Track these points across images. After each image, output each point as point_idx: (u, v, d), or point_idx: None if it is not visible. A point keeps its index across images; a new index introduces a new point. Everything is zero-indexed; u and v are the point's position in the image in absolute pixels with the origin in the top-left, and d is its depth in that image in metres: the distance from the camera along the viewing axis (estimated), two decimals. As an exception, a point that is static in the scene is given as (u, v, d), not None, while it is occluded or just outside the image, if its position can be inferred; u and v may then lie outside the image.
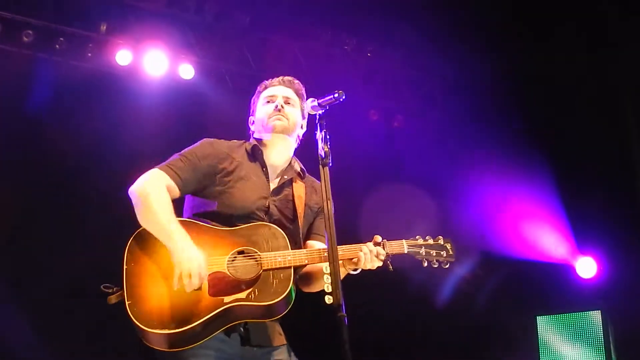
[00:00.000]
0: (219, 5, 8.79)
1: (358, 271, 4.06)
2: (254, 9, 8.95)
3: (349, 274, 4.08)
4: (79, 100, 8.43)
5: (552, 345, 8.89)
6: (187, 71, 8.85)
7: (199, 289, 3.66)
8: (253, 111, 4.36)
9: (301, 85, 4.38)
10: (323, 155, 3.56)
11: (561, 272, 9.25)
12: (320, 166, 3.56)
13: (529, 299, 9.30)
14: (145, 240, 3.80)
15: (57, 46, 8.31)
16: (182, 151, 4.05)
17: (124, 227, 8.16)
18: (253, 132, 4.32)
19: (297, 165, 4.30)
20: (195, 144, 4.10)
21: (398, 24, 9.18)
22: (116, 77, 8.65)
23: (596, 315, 8.68)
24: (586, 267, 9.21)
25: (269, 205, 4.03)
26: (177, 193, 3.94)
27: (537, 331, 9.00)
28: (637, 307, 8.61)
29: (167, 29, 8.71)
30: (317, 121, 3.70)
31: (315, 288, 4.17)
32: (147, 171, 3.94)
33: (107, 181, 8.40)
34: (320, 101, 3.77)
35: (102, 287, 3.75)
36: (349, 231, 4.25)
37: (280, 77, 4.35)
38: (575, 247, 9.24)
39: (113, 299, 3.72)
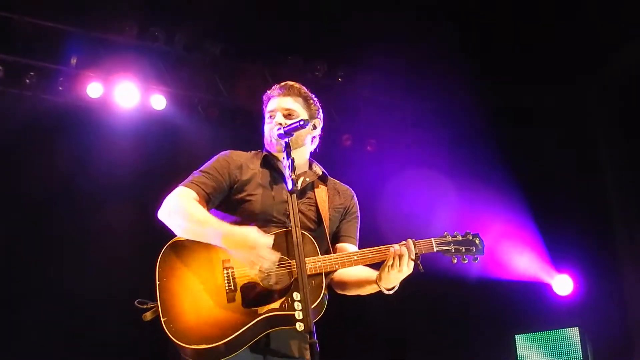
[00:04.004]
0: (188, 35, 8.82)
1: (393, 290, 3.98)
2: (224, 38, 8.98)
3: (380, 293, 4.00)
4: (51, 134, 8.41)
5: (531, 364, 8.92)
6: (158, 102, 8.85)
7: (233, 302, 3.68)
8: (263, 123, 4.31)
9: (301, 87, 4.29)
10: (292, 184, 3.56)
11: (538, 291, 9.27)
12: (289, 194, 3.56)
13: (507, 319, 9.29)
14: (175, 254, 3.80)
15: (28, 81, 8.31)
16: (202, 167, 4.06)
17: (97, 258, 8.18)
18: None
19: (318, 169, 4.28)
20: (213, 159, 4.11)
21: (368, 48, 9.23)
22: (88, 110, 8.64)
23: (574, 332, 8.68)
24: (562, 285, 9.24)
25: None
26: (204, 206, 3.93)
27: (516, 350, 9.00)
28: (614, 322, 8.67)
29: (138, 61, 8.72)
30: (284, 149, 3.72)
31: (351, 291, 4.13)
32: (172, 191, 3.94)
33: (81, 214, 8.39)
34: (285, 129, 3.81)
35: (136, 302, 3.73)
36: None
37: (280, 85, 4.27)
38: (551, 265, 9.27)
39: (148, 316, 3.71)
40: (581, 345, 8.59)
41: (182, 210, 3.82)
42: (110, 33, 8.52)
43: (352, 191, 4.39)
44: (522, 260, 9.23)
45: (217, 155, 4.15)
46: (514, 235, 9.26)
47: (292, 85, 4.26)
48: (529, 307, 9.28)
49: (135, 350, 7.98)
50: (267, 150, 4.22)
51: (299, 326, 3.54)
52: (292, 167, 3.63)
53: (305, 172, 4.22)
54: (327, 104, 9.59)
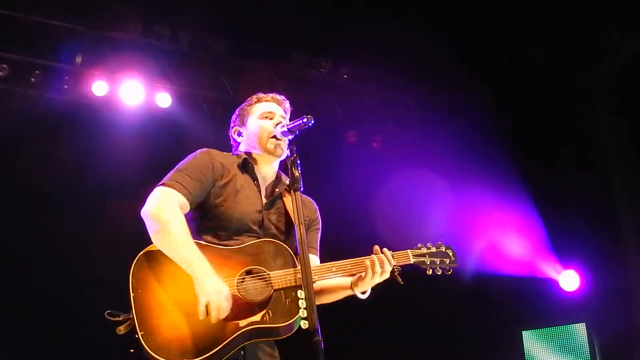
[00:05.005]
0: (193, 33, 8.81)
1: (366, 294, 3.98)
2: (228, 35, 8.98)
3: (354, 297, 4.00)
4: (56, 133, 8.41)
5: (538, 360, 8.92)
6: (164, 99, 8.85)
7: None
8: (243, 123, 4.25)
9: (290, 106, 4.31)
10: (295, 181, 3.56)
11: (545, 287, 9.26)
12: (292, 191, 3.55)
13: (514, 315, 9.30)
14: (149, 264, 3.68)
15: (33, 79, 8.31)
16: (181, 165, 3.94)
17: (103, 254, 8.19)
18: (239, 143, 4.25)
19: (285, 179, 4.19)
20: (192, 156, 4.00)
21: (372, 45, 9.23)
22: (93, 108, 8.64)
23: (581, 328, 8.71)
24: (569, 281, 9.23)
25: (263, 218, 3.96)
26: (187, 208, 3.84)
27: (523, 346, 9.00)
28: (621, 317, 8.65)
29: (143, 58, 8.72)
30: (287, 147, 3.69)
31: (322, 300, 4.09)
32: (154, 190, 3.82)
33: (87, 213, 8.39)
34: (289, 126, 3.79)
35: (106, 314, 3.60)
36: (329, 253, 4.21)
37: (273, 94, 4.28)
38: (557, 261, 9.26)
39: (122, 330, 3.57)
40: (588, 341, 8.60)
41: (166, 223, 3.69)
42: (114, 31, 8.52)
43: (315, 203, 4.33)
44: (529, 256, 9.23)
45: (197, 152, 4.05)
46: (521, 231, 9.26)
47: (285, 100, 4.30)
48: (535, 303, 9.28)
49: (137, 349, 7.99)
50: (246, 152, 4.17)
51: (304, 324, 3.52)
52: (297, 165, 3.62)
53: (274, 182, 4.16)
54: (332, 101, 9.73)
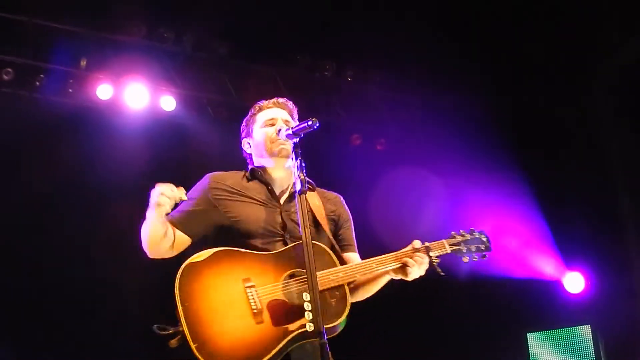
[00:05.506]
0: (197, 35, 8.81)
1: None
2: (232, 37, 8.98)
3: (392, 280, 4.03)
4: (61, 136, 8.41)
5: (543, 362, 8.91)
6: (168, 103, 8.84)
7: (262, 322, 3.62)
8: (248, 134, 4.29)
9: (294, 106, 4.33)
10: (300, 185, 3.55)
11: (549, 289, 9.25)
12: (297, 194, 3.55)
13: (519, 317, 9.29)
14: (194, 276, 3.70)
15: (37, 83, 8.31)
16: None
17: (103, 254, 8.19)
18: (250, 155, 4.28)
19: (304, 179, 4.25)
20: (196, 184, 4.11)
21: (377, 47, 9.22)
22: (98, 112, 8.63)
23: (586, 330, 8.69)
24: (574, 283, 9.22)
25: (283, 221, 3.99)
26: (186, 239, 3.95)
27: (528, 348, 8.99)
28: (626, 319, 8.64)
29: (147, 61, 8.71)
30: (292, 150, 3.70)
31: (366, 293, 4.11)
32: None
33: (91, 217, 8.40)
34: (294, 129, 3.77)
35: (155, 327, 3.61)
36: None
37: (275, 99, 4.30)
38: (562, 263, 9.25)
39: (174, 343, 3.58)
40: (593, 343, 8.58)
41: (144, 230, 3.89)
42: (119, 34, 8.51)
43: (341, 197, 4.38)
44: (534, 258, 9.21)
45: (202, 179, 4.13)
46: (525, 233, 9.24)
47: (287, 102, 4.33)
48: (540, 306, 9.27)
49: (138, 349, 8.00)
50: (259, 166, 4.20)
51: (309, 327, 3.52)
52: (301, 168, 3.61)
53: (293, 183, 4.07)
54: (336, 104, 9.71)
